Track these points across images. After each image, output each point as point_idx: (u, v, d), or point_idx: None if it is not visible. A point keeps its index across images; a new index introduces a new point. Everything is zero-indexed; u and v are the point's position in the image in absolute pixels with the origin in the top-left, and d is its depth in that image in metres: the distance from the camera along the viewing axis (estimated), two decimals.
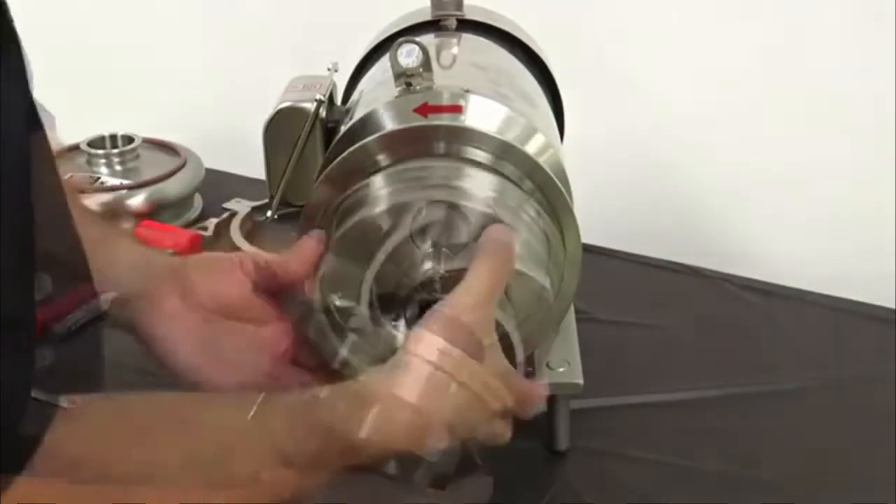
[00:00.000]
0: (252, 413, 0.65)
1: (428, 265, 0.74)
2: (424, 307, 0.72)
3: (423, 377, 0.67)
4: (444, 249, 0.75)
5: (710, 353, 1.09)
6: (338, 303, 0.77)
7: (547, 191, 0.80)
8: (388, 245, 0.74)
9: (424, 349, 0.67)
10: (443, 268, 0.75)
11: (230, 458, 0.65)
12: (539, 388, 0.77)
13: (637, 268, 1.27)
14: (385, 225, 0.75)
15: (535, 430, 0.94)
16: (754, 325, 1.16)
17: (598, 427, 0.96)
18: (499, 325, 0.73)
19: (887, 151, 1.26)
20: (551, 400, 0.92)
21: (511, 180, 0.79)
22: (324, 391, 0.67)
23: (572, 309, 0.92)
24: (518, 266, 0.75)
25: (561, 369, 0.89)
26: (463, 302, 0.69)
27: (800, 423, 0.99)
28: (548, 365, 0.89)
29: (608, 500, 0.89)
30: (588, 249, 0.84)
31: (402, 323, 0.77)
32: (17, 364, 0.56)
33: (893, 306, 1.18)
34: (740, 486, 0.90)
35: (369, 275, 0.74)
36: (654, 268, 1.27)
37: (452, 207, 0.75)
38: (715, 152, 1.38)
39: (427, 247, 0.75)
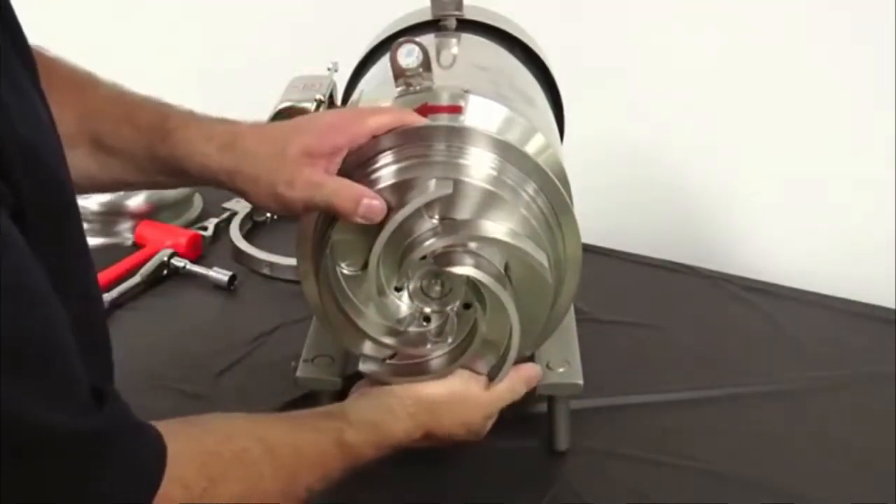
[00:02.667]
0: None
1: (432, 239, 0.76)
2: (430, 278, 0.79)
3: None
4: (447, 224, 0.77)
5: (710, 353, 1.09)
6: (346, 271, 0.79)
7: (547, 191, 0.80)
8: (397, 218, 0.75)
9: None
10: (446, 242, 0.76)
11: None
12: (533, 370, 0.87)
13: (637, 268, 1.28)
14: (393, 199, 0.76)
15: (535, 430, 0.94)
16: (754, 325, 1.16)
17: (598, 427, 0.96)
18: (500, 305, 0.76)
19: (887, 151, 1.26)
20: (551, 400, 0.92)
21: (511, 161, 0.80)
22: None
23: (572, 309, 0.92)
24: (514, 241, 0.76)
25: (561, 369, 0.89)
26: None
27: (800, 423, 0.99)
28: (548, 365, 0.89)
29: (608, 500, 0.89)
30: (588, 249, 0.85)
31: (405, 293, 0.80)
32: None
33: (893, 306, 1.18)
34: (740, 486, 0.90)
35: (377, 246, 0.76)
36: (654, 268, 1.27)
37: (456, 183, 0.76)
38: (715, 152, 1.37)
39: (432, 221, 0.77)
